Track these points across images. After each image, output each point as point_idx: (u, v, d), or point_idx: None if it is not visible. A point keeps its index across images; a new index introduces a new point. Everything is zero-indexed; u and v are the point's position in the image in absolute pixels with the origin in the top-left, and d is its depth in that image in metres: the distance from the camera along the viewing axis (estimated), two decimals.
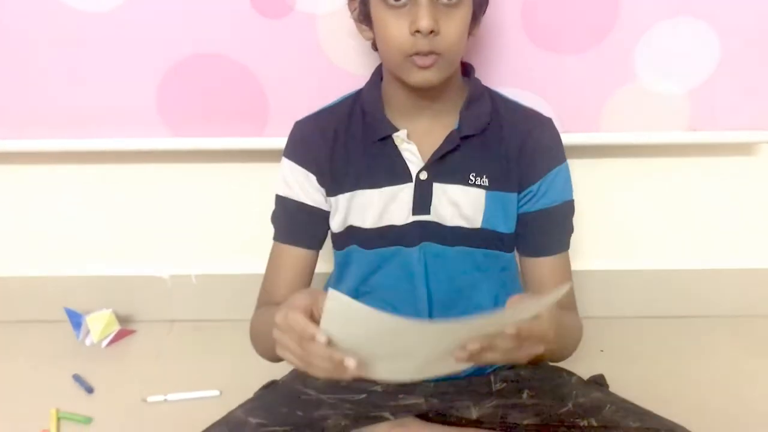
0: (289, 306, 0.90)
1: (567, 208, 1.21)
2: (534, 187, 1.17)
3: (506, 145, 1.16)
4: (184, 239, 1.73)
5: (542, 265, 1.20)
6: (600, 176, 1.65)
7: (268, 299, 1.23)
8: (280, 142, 1.25)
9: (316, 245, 1.25)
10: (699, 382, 1.52)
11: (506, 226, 1.18)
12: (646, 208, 1.70)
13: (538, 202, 1.18)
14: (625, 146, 1.56)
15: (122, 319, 1.75)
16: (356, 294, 1.21)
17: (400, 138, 1.14)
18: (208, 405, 1.36)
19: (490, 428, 1.17)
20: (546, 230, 1.20)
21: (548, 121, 1.20)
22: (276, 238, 1.24)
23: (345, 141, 1.18)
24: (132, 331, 1.74)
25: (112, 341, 1.69)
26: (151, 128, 1.51)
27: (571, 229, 1.23)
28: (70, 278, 1.75)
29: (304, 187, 1.20)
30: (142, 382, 1.55)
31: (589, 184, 1.58)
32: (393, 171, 1.16)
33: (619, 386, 1.21)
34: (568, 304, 1.21)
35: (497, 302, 1.21)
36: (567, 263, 1.22)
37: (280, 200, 1.24)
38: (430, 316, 1.18)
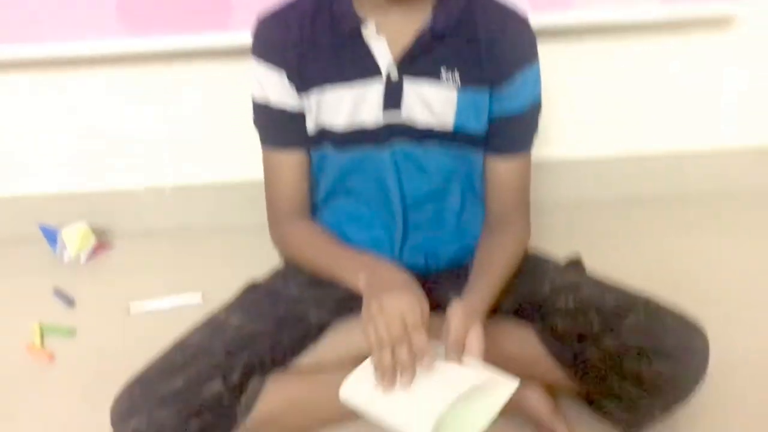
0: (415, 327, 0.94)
1: (535, 110, 1.18)
2: (504, 87, 1.14)
3: (479, 42, 1.12)
4: (155, 149, 1.70)
5: (503, 165, 1.18)
6: (572, 60, 1.61)
7: (278, 213, 1.21)
8: (246, 37, 1.19)
9: (308, 144, 1.20)
10: (677, 262, 1.54)
11: (478, 125, 1.15)
12: (621, 91, 1.69)
13: (508, 104, 1.15)
14: (597, 26, 1.52)
15: (99, 234, 1.73)
16: (331, 197, 1.21)
17: (368, 31, 1.09)
18: (191, 312, 1.36)
19: None
20: (512, 132, 1.18)
21: (524, 21, 1.16)
22: (265, 144, 1.20)
23: (312, 36, 1.13)
24: (109, 245, 1.74)
25: (90, 255, 1.69)
26: (111, 30, 1.44)
27: (536, 130, 1.21)
28: (42, 195, 1.73)
29: (278, 88, 1.16)
30: (124, 293, 1.55)
31: (561, 69, 1.55)
32: (362, 65, 1.12)
33: (596, 268, 1.22)
34: (516, 208, 1.20)
35: (465, 203, 1.20)
36: (528, 164, 1.20)
37: (260, 105, 1.19)
38: (404, 217, 1.17)
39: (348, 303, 1.18)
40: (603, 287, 1.13)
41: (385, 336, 0.94)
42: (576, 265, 1.24)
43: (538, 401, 1.11)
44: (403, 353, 0.93)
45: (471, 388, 0.90)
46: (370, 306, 0.97)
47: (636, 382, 1.03)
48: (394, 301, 0.96)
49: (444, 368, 0.94)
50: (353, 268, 1.09)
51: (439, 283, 1.20)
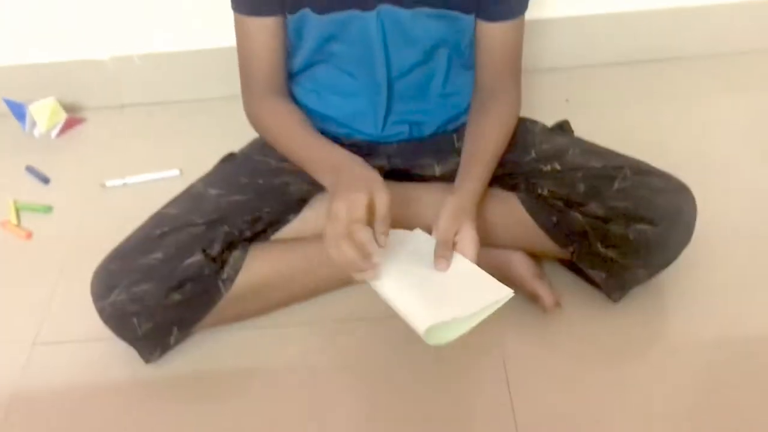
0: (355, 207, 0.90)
1: None
2: None
3: None
4: (120, 17, 1.60)
5: (497, 30, 1.09)
6: None
7: (252, 86, 1.12)
8: None
9: (282, 8, 1.10)
10: (668, 125, 1.51)
11: None
12: None
13: None
14: None
15: (69, 108, 1.66)
16: (310, 66, 1.13)
17: None
18: (169, 185, 1.32)
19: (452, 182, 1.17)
20: None
21: None
22: (237, 9, 1.09)
23: None
24: (81, 120, 1.67)
25: (61, 131, 1.63)
26: None
27: None
28: (6, 68, 1.64)
29: None
30: (99, 168, 1.51)
31: None
32: None
33: (585, 134, 1.18)
34: (508, 76, 1.13)
35: (450, 72, 1.13)
36: (521, 29, 1.12)
37: None
38: (389, 87, 1.11)
39: None
40: (590, 151, 1.10)
41: (332, 235, 0.91)
42: (563, 129, 1.20)
43: (521, 265, 1.11)
44: (348, 249, 0.90)
45: (480, 308, 0.89)
46: (328, 209, 0.94)
47: (622, 247, 1.03)
48: (340, 203, 0.91)
49: (458, 270, 0.94)
50: (322, 169, 1.03)
51: (424, 151, 1.17)
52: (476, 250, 0.96)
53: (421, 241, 1.02)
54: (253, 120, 1.14)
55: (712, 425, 0.97)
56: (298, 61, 1.13)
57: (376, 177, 0.96)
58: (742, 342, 1.08)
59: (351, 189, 0.92)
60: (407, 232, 1.05)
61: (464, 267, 0.95)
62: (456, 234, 0.97)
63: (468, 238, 0.96)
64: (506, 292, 0.90)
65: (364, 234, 0.91)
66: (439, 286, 0.92)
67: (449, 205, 0.99)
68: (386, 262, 0.95)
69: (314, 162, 1.05)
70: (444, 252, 0.96)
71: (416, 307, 0.89)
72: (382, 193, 0.92)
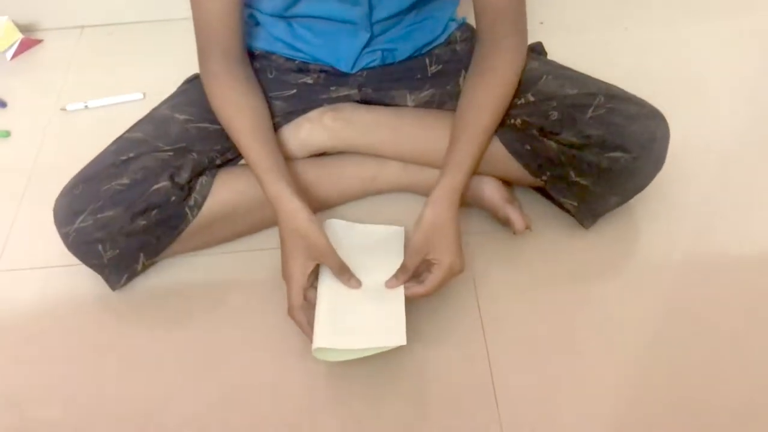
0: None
1: None
2: None
3: None
4: None
5: None
6: None
7: (209, 49, 1.04)
8: None
9: None
10: (642, 48, 1.49)
11: None
12: None
13: None
14: None
15: (24, 29, 1.59)
16: (282, 13, 1.07)
17: None
18: (132, 109, 1.29)
19: None
20: None
21: None
22: None
23: None
24: (38, 41, 1.60)
25: (17, 52, 1.56)
26: None
27: None
28: None
29: None
30: (58, 91, 1.46)
31: None
32: None
33: (559, 58, 1.16)
34: (510, 23, 1.06)
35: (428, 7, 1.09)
36: None
37: None
38: (370, 34, 1.07)
39: (295, 103, 1.12)
40: (563, 77, 1.08)
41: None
42: (537, 51, 1.18)
43: (492, 190, 1.11)
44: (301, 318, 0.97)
45: (373, 348, 0.95)
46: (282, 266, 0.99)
47: (595, 175, 1.02)
48: (288, 286, 0.97)
49: (386, 300, 0.98)
50: (265, 188, 1.00)
51: (395, 78, 1.14)
52: (437, 283, 0.96)
53: (395, 243, 1.06)
54: (206, 85, 1.06)
55: (680, 342, 1.00)
56: (268, 9, 1.08)
57: (317, 242, 0.96)
58: (710, 261, 1.10)
59: (293, 262, 0.96)
60: (391, 230, 1.09)
61: (394, 301, 0.98)
62: (428, 254, 0.97)
63: (438, 272, 0.96)
64: (399, 341, 0.93)
65: (303, 318, 0.96)
66: (357, 311, 0.97)
67: (423, 225, 0.97)
68: (350, 257, 1.00)
69: (257, 178, 1.01)
70: (400, 276, 0.98)
71: (323, 325, 0.94)
72: (330, 260, 0.96)
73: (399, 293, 0.98)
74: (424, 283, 0.97)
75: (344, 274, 0.98)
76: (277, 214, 0.98)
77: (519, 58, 1.07)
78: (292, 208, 0.97)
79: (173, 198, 1.01)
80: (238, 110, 1.04)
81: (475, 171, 1.05)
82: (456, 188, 1.00)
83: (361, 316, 0.96)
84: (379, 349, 0.94)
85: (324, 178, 1.14)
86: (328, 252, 0.96)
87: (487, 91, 1.04)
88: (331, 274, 0.99)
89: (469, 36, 1.16)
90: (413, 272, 0.98)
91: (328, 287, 0.98)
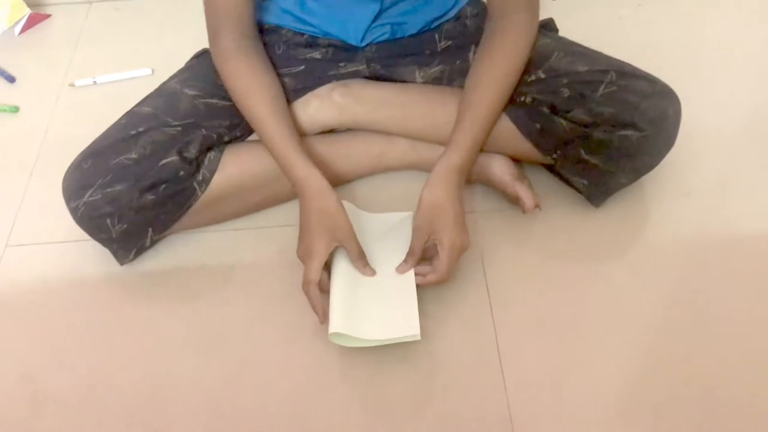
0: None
1: None
2: None
3: None
4: None
5: None
6: None
7: (221, 26, 1.03)
8: None
9: None
10: (656, 24, 1.47)
11: None
12: None
13: None
14: None
15: (32, 3, 1.58)
16: None
17: None
18: (141, 84, 1.28)
19: None
20: None
21: None
22: None
23: None
24: (46, 16, 1.59)
25: (25, 28, 1.55)
26: None
27: None
28: None
29: None
30: (67, 67, 1.46)
31: None
32: None
33: (570, 34, 1.15)
34: (520, 2, 1.04)
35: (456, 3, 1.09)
36: None
37: None
38: (380, 6, 1.06)
39: (304, 80, 1.12)
40: (575, 53, 1.07)
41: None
42: (548, 28, 1.16)
43: (502, 168, 1.10)
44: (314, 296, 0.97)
45: (387, 339, 0.96)
46: (299, 242, 0.99)
47: (606, 153, 1.02)
48: (307, 256, 0.97)
49: (399, 290, 1.00)
50: (287, 172, 1.01)
51: (405, 54, 1.13)
52: (445, 266, 0.96)
53: (405, 229, 1.05)
54: (220, 72, 1.06)
55: (689, 323, 1.00)
56: None
57: (343, 225, 0.97)
58: (720, 241, 1.09)
59: (317, 240, 0.96)
60: (401, 217, 1.09)
61: (406, 291, 0.99)
62: (431, 235, 0.97)
63: (441, 253, 0.96)
64: (415, 334, 0.94)
65: (317, 294, 0.96)
66: (371, 300, 0.98)
67: (421, 205, 0.98)
68: (362, 244, 1.01)
69: (279, 157, 1.01)
70: (408, 261, 1.00)
71: (340, 310, 0.95)
72: (351, 244, 0.97)
73: (411, 284, 0.99)
74: (435, 268, 0.97)
75: (361, 259, 0.98)
76: (301, 192, 0.99)
77: (528, 35, 1.05)
78: (322, 187, 0.98)
79: (181, 173, 1.01)
80: (255, 88, 1.04)
81: (481, 149, 1.04)
82: (455, 167, 0.99)
83: (376, 307, 0.98)
84: (393, 341, 0.95)
85: (332, 155, 1.13)
86: (351, 236, 0.98)
87: (493, 69, 1.03)
88: (345, 260, 0.99)
89: (480, 11, 1.15)
90: (421, 255, 0.99)
91: (343, 273, 0.99)
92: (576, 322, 1.00)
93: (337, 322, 0.94)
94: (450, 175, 0.99)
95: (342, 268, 0.99)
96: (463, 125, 1.01)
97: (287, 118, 1.04)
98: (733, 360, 0.96)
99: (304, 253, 0.98)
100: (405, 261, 1.00)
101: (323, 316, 0.96)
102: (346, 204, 1.05)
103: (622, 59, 1.06)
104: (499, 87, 1.03)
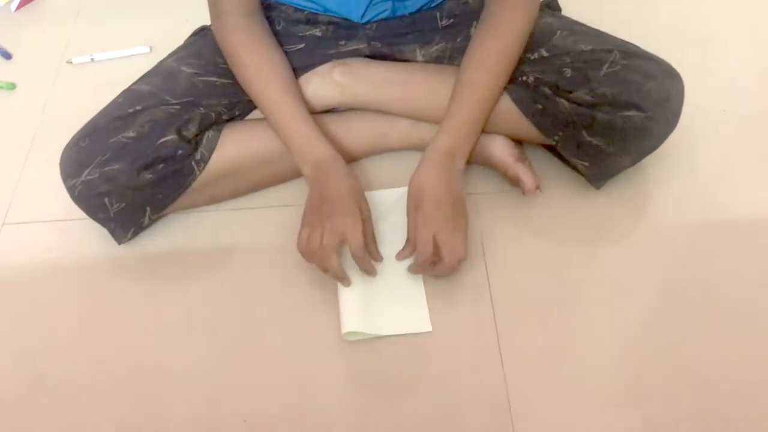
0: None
1: None
2: None
3: None
4: None
5: None
6: None
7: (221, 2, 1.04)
8: None
9: None
10: (659, 3, 1.46)
11: None
12: None
13: None
14: None
15: None
16: None
17: None
18: (139, 62, 1.27)
19: None
20: None
21: None
22: None
23: None
24: None
25: (21, 4, 1.54)
26: None
27: None
28: None
29: None
30: (64, 44, 1.44)
31: None
32: None
33: (574, 14, 1.13)
34: None
35: None
36: None
37: None
38: None
39: (304, 58, 1.10)
40: (578, 32, 1.05)
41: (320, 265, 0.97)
42: (551, 7, 1.15)
43: (502, 148, 1.09)
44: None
45: (397, 333, 0.98)
46: (312, 223, 0.96)
47: (608, 134, 1.01)
48: (335, 231, 0.95)
49: (407, 284, 1.02)
50: (300, 154, 1.01)
51: (405, 32, 1.11)
52: (453, 263, 0.96)
53: (400, 204, 1.03)
54: (226, 49, 1.05)
55: (689, 307, 0.99)
56: None
57: (357, 191, 0.98)
58: (721, 225, 1.08)
59: (338, 209, 0.95)
60: (395, 192, 1.08)
61: (414, 284, 1.02)
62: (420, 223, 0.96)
63: (446, 255, 0.95)
64: (425, 328, 0.98)
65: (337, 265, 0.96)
66: (381, 294, 0.99)
67: (410, 191, 0.98)
68: None
69: (291, 138, 1.01)
70: (407, 248, 1.00)
71: (349, 308, 0.97)
72: (353, 238, 0.95)
73: (418, 276, 1.01)
74: (435, 264, 0.97)
75: (364, 257, 0.97)
76: (325, 171, 0.99)
77: (525, 15, 1.03)
78: (345, 168, 0.99)
79: (180, 152, 1.00)
80: (265, 65, 1.04)
81: (481, 131, 1.03)
82: (441, 149, 0.99)
83: (386, 301, 0.99)
84: (403, 333, 0.98)
85: (333, 134, 1.12)
86: (370, 218, 0.99)
87: (485, 49, 1.02)
88: (350, 256, 1.00)
89: None
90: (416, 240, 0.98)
91: (351, 268, 0.99)
92: (575, 304, 1.00)
93: (351, 322, 0.95)
94: (436, 157, 0.98)
95: (349, 264, 0.99)
96: (452, 107, 1.01)
97: (301, 97, 1.04)
98: (732, 344, 0.96)
99: (340, 224, 0.95)
100: (404, 248, 1.00)
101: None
102: None
103: (625, 40, 1.05)
104: (492, 68, 1.02)
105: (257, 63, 1.04)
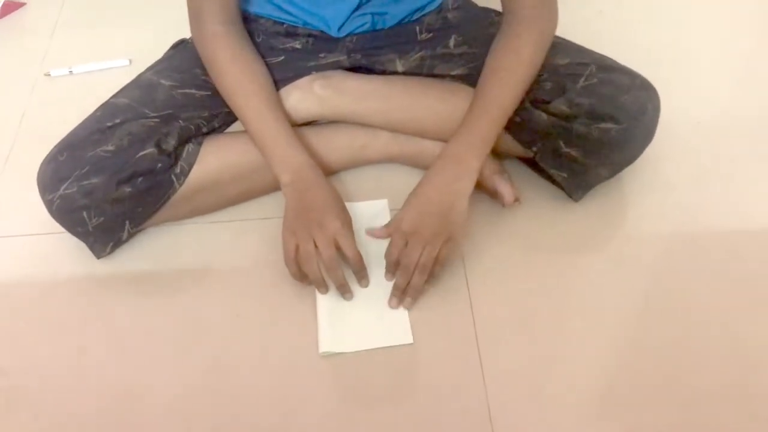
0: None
1: None
2: None
3: None
4: None
5: None
6: None
7: (207, 5, 1.02)
8: None
9: None
10: (635, 19, 1.48)
11: None
12: None
13: None
14: None
15: None
16: None
17: None
18: (118, 75, 1.27)
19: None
20: None
21: None
22: None
23: None
24: (21, 4, 1.57)
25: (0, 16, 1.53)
26: None
27: None
28: None
29: None
30: (43, 56, 1.44)
31: None
32: None
33: None
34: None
35: None
36: None
37: None
38: None
39: (284, 70, 1.11)
40: (556, 47, 1.07)
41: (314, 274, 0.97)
42: None
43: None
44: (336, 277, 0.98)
45: (378, 346, 0.98)
46: (298, 232, 0.96)
47: (585, 146, 1.02)
48: (327, 236, 0.96)
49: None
50: (278, 161, 1.01)
51: (385, 44, 1.12)
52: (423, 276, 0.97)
53: (382, 218, 1.05)
54: (206, 56, 1.05)
55: (668, 317, 1.00)
56: None
57: (336, 200, 0.99)
58: (698, 236, 1.10)
59: (340, 213, 0.98)
60: (372, 204, 1.09)
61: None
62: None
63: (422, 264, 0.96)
64: (407, 340, 0.97)
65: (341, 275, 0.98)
66: (359, 308, 1.00)
67: (407, 214, 0.98)
68: None
69: (271, 147, 1.02)
70: (386, 274, 1.02)
71: (327, 326, 0.97)
72: (347, 241, 0.96)
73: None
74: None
75: (360, 260, 0.98)
76: (306, 180, 1.00)
77: (539, 30, 1.01)
78: (324, 177, 1.01)
79: (159, 165, 1.00)
80: (248, 75, 1.04)
81: (497, 133, 1.01)
82: (448, 156, 0.99)
83: (366, 313, 0.99)
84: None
85: (314, 147, 1.13)
86: (351, 231, 0.99)
87: (496, 66, 1.02)
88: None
89: (462, 4, 1.14)
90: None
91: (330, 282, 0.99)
92: (555, 315, 1.01)
93: (327, 341, 0.96)
94: (440, 163, 0.99)
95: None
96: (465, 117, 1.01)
97: (281, 107, 1.05)
98: (711, 352, 0.97)
99: (332, 230, 0.96)
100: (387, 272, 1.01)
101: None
102: None
103: (602, 53, 1.06)
104: (509, 78, 1.00)
105: (239, 73, 1.04)
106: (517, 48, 1.01)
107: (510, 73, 1.01)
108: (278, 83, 1.11)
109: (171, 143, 1.01)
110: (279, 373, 0.96)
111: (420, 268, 0.96)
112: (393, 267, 0.99)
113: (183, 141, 1.03)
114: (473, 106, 1.01)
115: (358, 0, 1.06)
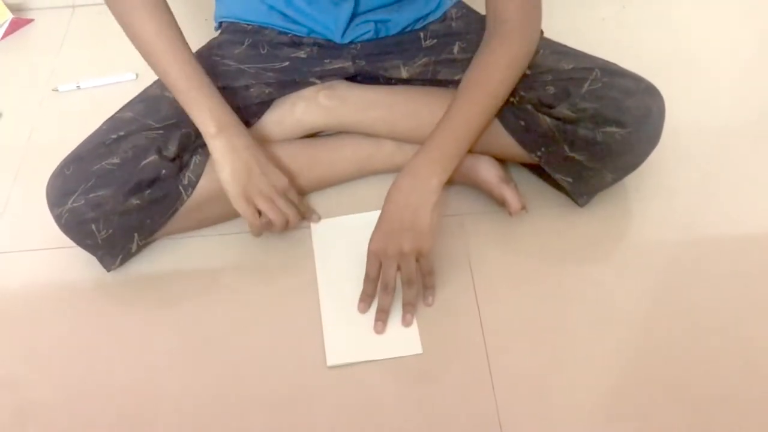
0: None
1: None
2: None
3: None
4: None
5: None
6: None
7: None
8: None
9: None
10: (639, 24, 1.48)
11: None
12: None
13: None
14: None
15: (14, 8, 1.57)
16: None
17: None
18: (125, 89, 1.27)
19: (420, 85, 1.14)
20: None
21: None
22: None
23: None
24: (29, 21, 1.58)
25: (7, 33, 1.54)
26: None
27: None
28: None
29: None
30: (50, 72, 1.44)
31: None
32: None
33: (553, 35, 1.15)
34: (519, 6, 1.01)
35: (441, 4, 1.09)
36: None
37: None
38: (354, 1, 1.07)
39: (291, 74, 1.11)
40: (559, 52, 1.07)
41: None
42: None
43: (487, 169, 1.10)
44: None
45: (386, 357, 0.98)
46: (248, 192, 1.01)
47: (590, 150, 1.02)
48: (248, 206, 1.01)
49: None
50: (202, 115, 0.99)
51: (389, 51, 1.13)
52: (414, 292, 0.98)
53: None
54: (123, 20, 1.05)
55: (673, 324, 1.00)
56: None
57: (282, 175, 1.03)
58: (704, 241, 1.09)
59: (268, 190, 1.02)
60: (374, 215, 1.05)
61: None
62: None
63: (405, 279, 0.97)
64: (416, 350, 0.97)
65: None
66: (367, 316, 0.99)
67: (375, 234, 0.98)
68: (347, 254, 1.04)
69: (192, 99, 0.99)
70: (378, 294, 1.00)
71: (334, 338, 0.98)
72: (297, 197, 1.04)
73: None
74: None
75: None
76: (240, 137, 1.01)
77: (518, 42, 1.02)
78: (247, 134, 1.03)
79: (163, 171, 1.00)
80: (175, 43, 1.01)
81: (464, 150, 1.02)
82: (409, 169, 0.98)
83: (371, 327, 0.99)
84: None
85: (319, 157, 1.13)
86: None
87: (473, 76, 1.02)
88: (330, 280, 1.00)
89: (465, 13, 1.15)
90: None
91: (330, 295, 1.00)
92: (563, 322, 1.01)
93: (335, 354, 0.96)
94: (399, 178, 0.99)
95: (327, 290, 1.00)
96: (434, 129, 1.01)
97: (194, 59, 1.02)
98: (718, 357, 0.96)
99: (279, 184, 1.02)
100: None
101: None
102: (321, 222, 1.09)
103: (605, 59, 1.06)
104: (478, 94, 1.01)
105: (165, 41, 1.01)
106: (488, 64, 1.01)
107: (479, 89, 1.01)
108: (283, 88, 1.11)
109: (171, 150, 1.02)
110: (287, 383, 0.96)
111: (406, 283, 0.97)
112: (372, 289, 0.99)
113: (184, 147, 1.04)
114: (441, 121, 1.00)
115: (353, 5, 1.07)
